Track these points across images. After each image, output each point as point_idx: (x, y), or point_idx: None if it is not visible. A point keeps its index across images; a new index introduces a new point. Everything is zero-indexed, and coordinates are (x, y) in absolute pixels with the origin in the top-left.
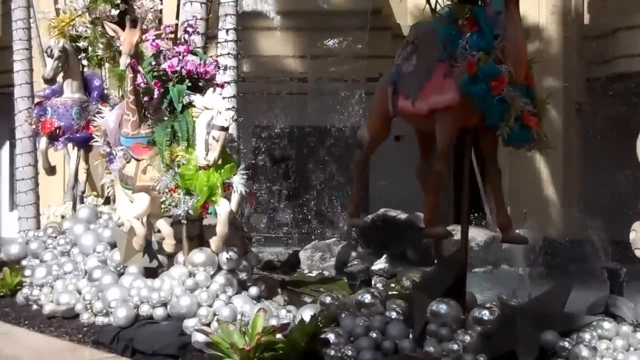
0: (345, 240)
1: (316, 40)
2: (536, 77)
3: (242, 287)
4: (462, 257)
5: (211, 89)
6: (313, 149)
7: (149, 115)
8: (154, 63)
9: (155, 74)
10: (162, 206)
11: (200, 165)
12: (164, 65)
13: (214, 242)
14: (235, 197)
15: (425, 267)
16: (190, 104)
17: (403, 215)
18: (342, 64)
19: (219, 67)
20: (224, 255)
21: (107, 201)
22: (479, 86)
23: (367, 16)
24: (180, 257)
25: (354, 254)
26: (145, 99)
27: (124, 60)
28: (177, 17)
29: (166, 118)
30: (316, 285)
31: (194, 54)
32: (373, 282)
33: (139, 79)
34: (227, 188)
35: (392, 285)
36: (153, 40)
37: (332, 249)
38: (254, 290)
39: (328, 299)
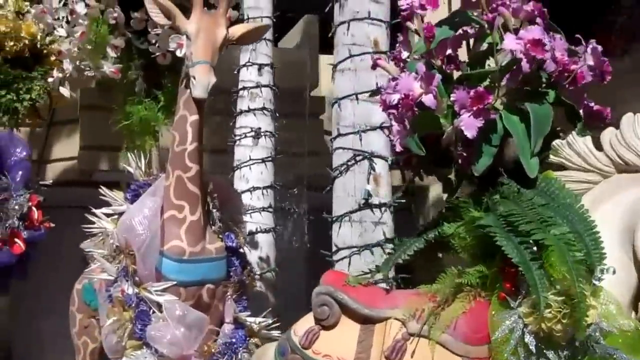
0: None
1: None
2: None
3: None
4: None
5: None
6: None
7: (212, 204)
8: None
9: (466, 76)
10: None
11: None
12: (512, 45)
13: None
14: None
15: None
16: (545, 160)
17: None
18: None
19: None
20: None
21: None
22: None
23: None
24: None
25: None
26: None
27: (205, 80)
28: None
29: None
30: None
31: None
32: None
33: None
34: None
35: None
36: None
37: None
38: None
39: None
